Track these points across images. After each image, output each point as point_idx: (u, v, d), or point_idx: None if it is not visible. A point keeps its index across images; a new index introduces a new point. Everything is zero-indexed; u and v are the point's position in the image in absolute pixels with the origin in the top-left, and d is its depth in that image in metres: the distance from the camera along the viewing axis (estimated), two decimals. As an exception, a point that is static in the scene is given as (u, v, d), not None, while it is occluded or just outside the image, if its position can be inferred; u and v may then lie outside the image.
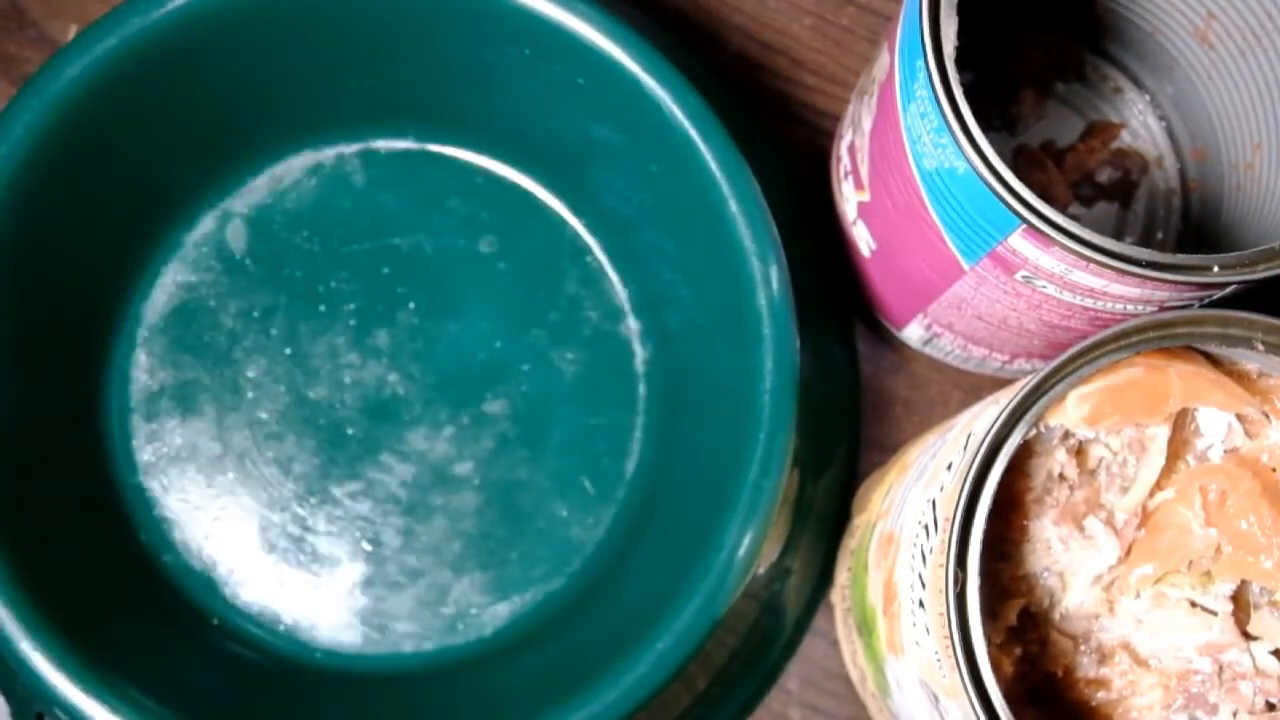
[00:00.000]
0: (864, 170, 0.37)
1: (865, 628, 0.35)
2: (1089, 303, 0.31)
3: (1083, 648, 0.29)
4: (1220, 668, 0.29)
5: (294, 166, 0.40)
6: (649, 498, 0.38)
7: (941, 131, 0.30)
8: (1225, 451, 0.29)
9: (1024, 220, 0.29)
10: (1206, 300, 0.31)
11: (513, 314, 0.40)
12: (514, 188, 0.40)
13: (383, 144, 0.40)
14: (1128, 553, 0.29)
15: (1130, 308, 0.31)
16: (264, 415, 0.39)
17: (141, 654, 0.35)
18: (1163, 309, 0.31)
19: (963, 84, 0.30)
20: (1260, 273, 0.29)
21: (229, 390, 0.39)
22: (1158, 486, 0.29)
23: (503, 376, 0.39)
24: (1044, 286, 0.32)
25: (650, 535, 0.38)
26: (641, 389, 0.39)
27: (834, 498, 0.41)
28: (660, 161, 0.36)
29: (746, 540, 0.34)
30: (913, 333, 0.40)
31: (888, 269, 0.38)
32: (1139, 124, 0.43)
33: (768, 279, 0.35)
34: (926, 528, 0.29)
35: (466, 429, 0.39)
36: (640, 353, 0.40)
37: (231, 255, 0.40)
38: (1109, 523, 0.29)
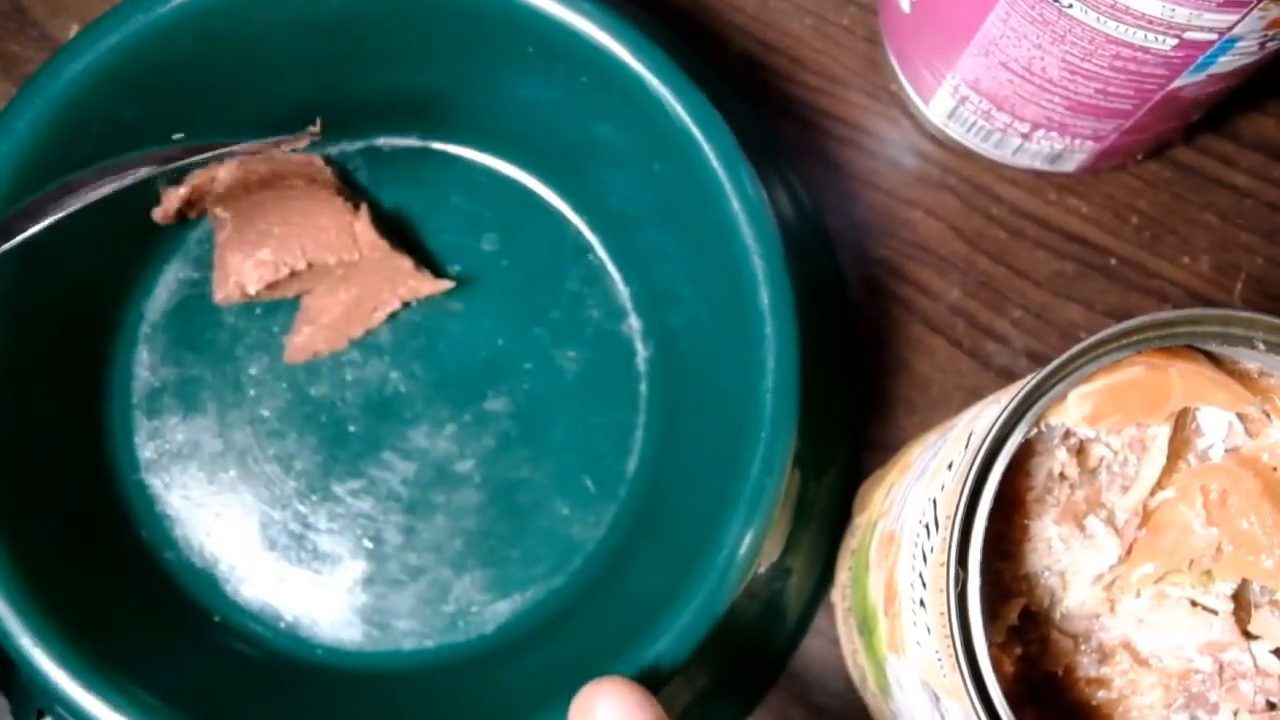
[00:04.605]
0: None
1: (866, 627, 0.35)
2: (1111, 27, 0.32)
3: (1083, 647, 0.29)
4: (1221, 667, 0.29)
5: (296, 164, 0.40)
6: (650, 496, 0.38)
7: None
8: (1226, 451, 0.29)
9: None
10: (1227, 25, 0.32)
11: (515, 312, 0.40)
12: (516, 186, 0.40)
13: (385, 142, 0.40)
14: (1129, 552, 0.29)
15: (1150, 38, 0.32)
16: (265, 412, 0.39)
17: (142, 650, 0.35)
18: (1182, 43, 0.31)
19: None
20: None
21: (231, 387, 0.39)
22: (1159, 486, 0.29)
23: (504, 374, 0.39)
24: (1069, 7, 0.32)
25: (651, 534, 0.38)
26: (643, 387, 0.39)
27: (835, 497, 0.41)
28: (663, 160, 0.36)
29: (748, 539, 0.34)
30: (940, 103, 0.40)
31: (924, 15, 0.39)
32: None
33: (770, 278, 0.35)
34: (928, 527, 0.29)
35: (468, 427, 0.39)
36: (642, 351, 0.40)
37: (234, 253, 0.40)
38: (1110, 522, 0.29)
